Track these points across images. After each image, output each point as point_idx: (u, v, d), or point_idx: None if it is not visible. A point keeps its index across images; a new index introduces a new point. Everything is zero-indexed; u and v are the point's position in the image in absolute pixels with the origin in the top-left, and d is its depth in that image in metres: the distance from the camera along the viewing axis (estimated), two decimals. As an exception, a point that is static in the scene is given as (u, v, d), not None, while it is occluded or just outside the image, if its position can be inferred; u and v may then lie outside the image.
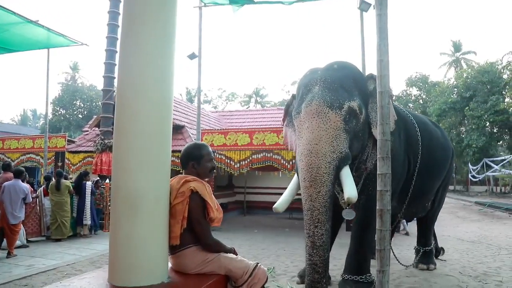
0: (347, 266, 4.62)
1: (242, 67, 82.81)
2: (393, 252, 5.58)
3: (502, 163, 24.22)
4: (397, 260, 5.61)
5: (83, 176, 9.05)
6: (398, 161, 4.55)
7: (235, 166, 10.11)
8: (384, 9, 2.95)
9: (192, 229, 2.24)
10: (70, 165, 12.41)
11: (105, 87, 11.43)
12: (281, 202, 4.10)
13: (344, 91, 3.93)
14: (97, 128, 12.76)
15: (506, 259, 6.91)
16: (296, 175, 4.15)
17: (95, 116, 15.14)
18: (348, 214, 4.24)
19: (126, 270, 1.99)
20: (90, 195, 8.90)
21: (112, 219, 2.09)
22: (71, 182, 9.08)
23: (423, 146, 4.94)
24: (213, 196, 2.40)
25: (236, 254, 2.44)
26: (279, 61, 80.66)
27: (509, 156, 24.31)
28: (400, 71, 61.87)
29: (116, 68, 2.83)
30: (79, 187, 8.85)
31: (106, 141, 10.86)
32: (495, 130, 29.17)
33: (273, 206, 4.09)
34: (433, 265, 5.95)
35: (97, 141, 11.26)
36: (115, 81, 6.82)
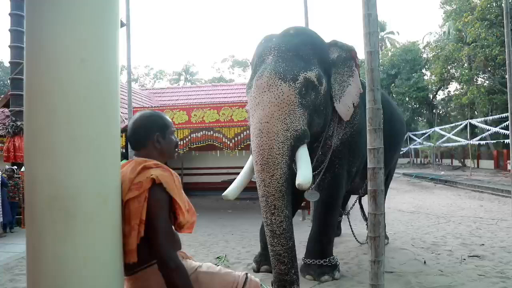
0: (309, 249, 4.29)
1: (170, 43, 79.23)
2: (352, 229, 5.53)
3: (423, 137, 26.14)
4: (355, 237, 5.56)
5: (-9, 165, 7.62)
6: (364, 136, 4.30)
7: (173, 146, 9.28)
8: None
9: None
10: (-26, 152, 10.61)
11: (14, 59, 9.74)
12: (232, 188, 3.58)
13: (300, 60, 3.48)
14: (6, 109, 11.02)
15: (447, 228, 7.22)
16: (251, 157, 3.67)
17: (2, 95, 13.20)
18: (312, 196, 3.90)
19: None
20: (0, 187, 7.50)
21: (29, 231, 1.34)
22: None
23: (385, 120, 4.70)
24: (183, 192, 1.69)
25: None
26: (209, 37, 78.51)
27: (429, 129, 26.27)
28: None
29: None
30: (-15, 178, 7.42)
31: (19, 123, 9.31)
32: (416, 106, 31.37)
33: (223, 194, 3.56)
34: (386, 240, 5.92)
35: (7, 123, 9.64)
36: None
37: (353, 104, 3.90)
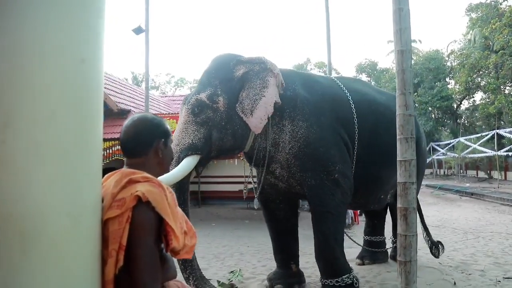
0: (319, 269, 4.09)
1: (192, 50, 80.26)
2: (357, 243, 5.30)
3: (447, 147, 25.32)
4: (360, 245, 5.36)
5: None
6: (323, 146, 4.02)
7: (190, 154, 9.09)
8: None
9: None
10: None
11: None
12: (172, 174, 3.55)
13: (200, 85, 3.96)
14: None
15: (477, 245, 6.77)
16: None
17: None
18: (256, 204, 4.26)
19: None
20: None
21: None
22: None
23: (361, 128, 4.29)
24: (179, 210, 1.41)
25: None
26: (230, 45, 79.18)
27: (453, 140, 25.44)
28: (350, 57, 63.32)
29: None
30: None
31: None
32: (440, 116, 30.57)
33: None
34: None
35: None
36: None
37: (268, 116, 3.82)
